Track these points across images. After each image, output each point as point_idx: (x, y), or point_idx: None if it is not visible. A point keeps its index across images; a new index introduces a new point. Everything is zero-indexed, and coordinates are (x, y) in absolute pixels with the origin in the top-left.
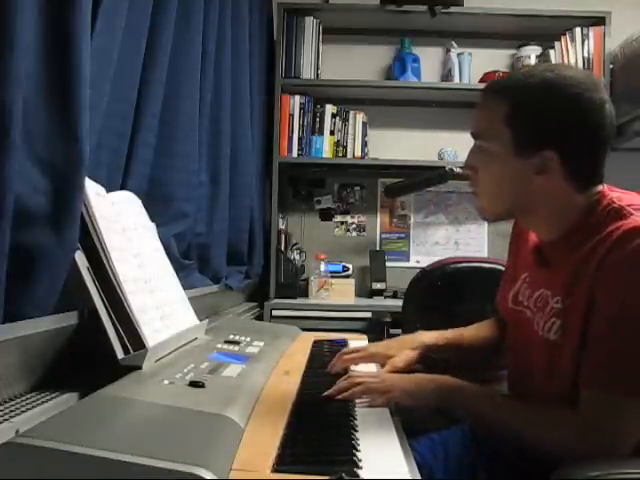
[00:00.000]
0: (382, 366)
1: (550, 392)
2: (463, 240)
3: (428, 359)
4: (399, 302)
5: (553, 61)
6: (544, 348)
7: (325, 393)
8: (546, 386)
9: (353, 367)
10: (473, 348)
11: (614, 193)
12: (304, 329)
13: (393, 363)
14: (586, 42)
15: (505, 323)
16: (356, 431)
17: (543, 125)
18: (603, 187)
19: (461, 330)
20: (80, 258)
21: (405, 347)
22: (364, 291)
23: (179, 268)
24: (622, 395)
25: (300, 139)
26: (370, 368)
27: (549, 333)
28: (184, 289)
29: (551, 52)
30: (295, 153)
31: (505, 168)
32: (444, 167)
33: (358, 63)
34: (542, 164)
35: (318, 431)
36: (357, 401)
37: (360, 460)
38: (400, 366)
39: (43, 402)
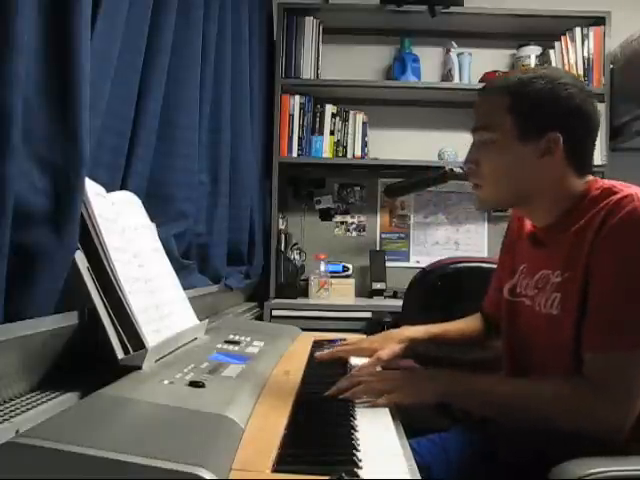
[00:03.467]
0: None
1: (550, 371)
2: (463, 240)
3: (422, 356)
4: (399, 302)
5: (553, 61)
6: (546, 324)
7: (326, 393)
8: (547, 365)
9: (352, 360)
10: (458, 342)
11: (606, 180)
12: (304, 329)
13: (378, 356)
14: (586, 42)
15: (491, 322)
16: (356, 431)
17: (546, 110)
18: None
19: (445, 325)
20: (80, 258)
21: (390, 341)
22: (364, 291)
23: (179, 268)
24: (624, 351)
25: (300, 139)
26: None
27: (551, 308)
28: (184, 289)
29: (551, 52)
30: (295, 153)
31: (510, 154)
32: (444, 167)
33: (358, 63)
34: (547, 146)
35: (318, 431)
36: (358, 402)
37: (360, 460)
38: (385, 359)
39: (43, 402)
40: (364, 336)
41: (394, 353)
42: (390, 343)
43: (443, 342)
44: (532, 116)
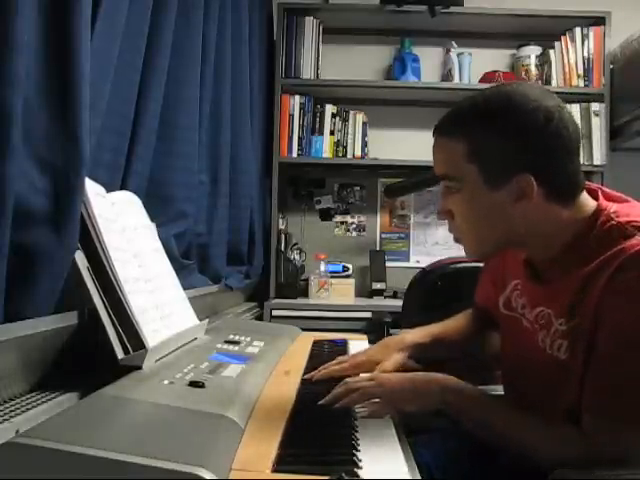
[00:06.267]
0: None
1: (553, 408)
2: None
3: (423, 358)
4: (399, 302)
5: (553, 61)
6: (553, 366)
7: (321, 402)
8: (551, 401)
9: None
10: (459, 342)
11: (611, 206)
12: (304, 329)
13: (382, 368)
14: (586, 42)
15: (484, 319)
16: (356, 431)
17: (507, 150)
18: (598, 195)
19: (444, 325)
20: (80, 258)
21: (391, 350)
22: (364, 291)
23: (179, 268)
24: (623, 423)
25: (300, 139)
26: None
27: (558, 352)
28: (184, 289)
29: (551, 52)
30: (295, 153)
31: (481, 205)
32: None
33: (358, 63)
34: (519, 190)
35: (318, 431)
36: (357, 411)
37: (360, 460)
38: (390, 370)
39: (43, 402)
40: (364, 336)
41: (398, 364)
42: (391, 353)
43: (445, 344)
44: (495, 161)
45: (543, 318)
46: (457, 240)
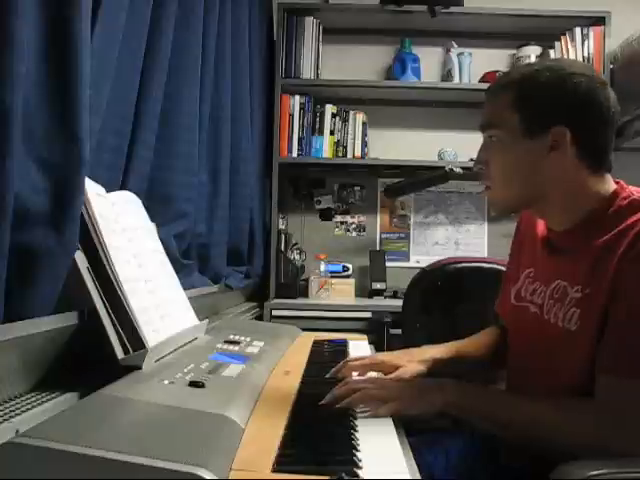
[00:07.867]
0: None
1: (557, 384)
2: (463, 240)
3: (443, 373)
4: (399, 302)
5: None
6: (562, 339)
7: (322, 402)
8: (554, 378)
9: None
10: (478, 359)
11: (631, 187)
12: (304, 329)
13: (400, 374)
14: (586, 42)
15: (506, 328)
16: (356, 431)
17: (550, 103)
18: (618, 182)
19: (465, 341)
20: (80, 258)
21: (414, 360)
22: (364, 291)
23: (179, 268)
24: (638, 381)
25: (300, 139)
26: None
27: (570, 324)
28: (184, 289)
29: (551, 52)
30: (295, 153)
31: (516, 152)
32: (444, 167)
33: (358, 63)
34: (553, 141)
35: (318, 431)
36: (358, 411)
37: (360, 460)
38: (407, 377)
39: (43, 402)
40: (364, 336)
41: (418, 373)
42: (413, 362)
43: (465, 360)
44: (536, 110)
45: (558, 292)
46: (486, 189)
